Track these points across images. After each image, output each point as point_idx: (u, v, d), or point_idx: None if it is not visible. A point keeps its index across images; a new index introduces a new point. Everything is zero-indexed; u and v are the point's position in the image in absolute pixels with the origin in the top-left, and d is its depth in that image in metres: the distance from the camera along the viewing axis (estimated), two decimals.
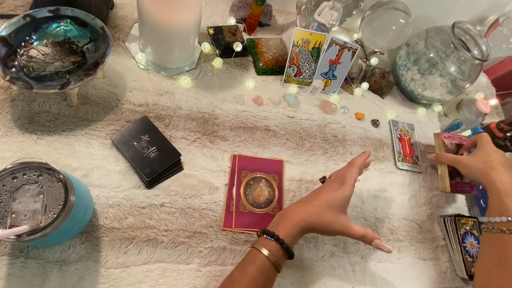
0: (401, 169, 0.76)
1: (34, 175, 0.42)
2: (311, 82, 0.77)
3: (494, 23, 0.87)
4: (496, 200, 0.55)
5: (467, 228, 0.70)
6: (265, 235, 0.48)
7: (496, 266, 0.51)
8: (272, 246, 0.47)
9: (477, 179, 0.62)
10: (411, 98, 0.90)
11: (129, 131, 0.58)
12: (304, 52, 0.75)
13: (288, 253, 0.48)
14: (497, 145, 0.83)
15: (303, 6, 0.77)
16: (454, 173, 0.75)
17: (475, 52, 0.79)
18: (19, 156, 0.52)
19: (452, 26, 0.76)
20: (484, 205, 0.76)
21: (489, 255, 0.53)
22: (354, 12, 0.78)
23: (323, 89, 0.80)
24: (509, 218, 0.52)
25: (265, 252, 0.46)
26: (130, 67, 0.67)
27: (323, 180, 0.61)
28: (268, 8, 0.82)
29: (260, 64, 0.77)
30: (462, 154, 0.72)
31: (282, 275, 0.56)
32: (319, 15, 0.72)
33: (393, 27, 0.81)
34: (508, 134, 0.82)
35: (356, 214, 0.67)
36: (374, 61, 0.85)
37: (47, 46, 0.53)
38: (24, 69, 0.52)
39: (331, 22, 0.71)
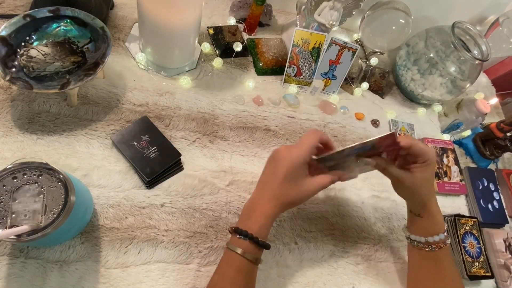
0: None
1: (34, 175, 0.42)
2: (311, 82, 0.77)
3: (494, 23, 0.87)
4: (431, 222, 0.55)
5: (467, 228, 0.70)
6: (237, 235, 0.46)
7: (435, 280, 0.55)
8: (246, 245, 0.45)
9: (413, 203, 0.56)
10: (411, 98, 0.90)
11: (129, 131, 0.58)
12: (304, 52, 0.75)
13: (264, 247, 0.47)
14: (497, 145, 0.84)
15: (303, 6, 0.77)
16: (440, 173, 0.76)
17: (475, 52, 0.80)
18: (19, 156, 0.52)
19: (452, 26, 0.76)
20: (484, 206, 0.77)
21: (425, 271, 0.56)
22: (354, 12, 0.78)
23: (323, 89, 0.80)
24: (445, 233, 0.54)
25: (239, 251, 0.45)
26: (130, 67, 0.67)
27: None
28: (268, 8, 0.82)
29: (260, 64, 0.77)
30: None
31: (282, 275, 0.56)
32: (319, 15, 0.72)
33: (393, 27, 0.81)
34: (508, 134, 0.82)
35: (356, 214, 0.67)
36: (374, 61, 0.85)
37: (47, 46, 0.53)
38: (24, 69, 0.52)
39: (331, 22, 0.71)
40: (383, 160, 0.52)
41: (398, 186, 0.56)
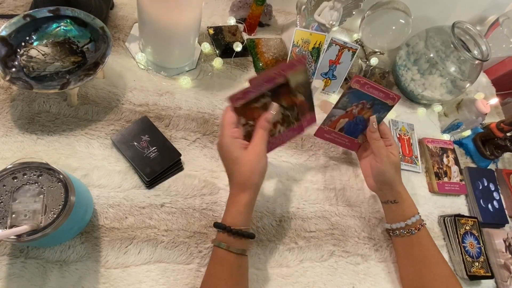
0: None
1: (34, 175, 0.42)
2: (311, 82, 0.77)
3: (494, 23, 0.87)
4: (406, 205, 0.60)
5: (467, 228, 0.70)
6: (217, 229, 0.48)
7: (419, 264, 0.58)
8: (223, 236, 0.47)
9: (385, 181, 0.61)
10: (411, 98, 0.90)
11: (129, 131, 0.58)
12: (304, 52, 0.75)
13: (243, 235, 0.47)
14: (497, 145, 0.84)
15: (303, 6, 0.77)
16: (440, 173, 0.76)
17: (475, 52, 0.80)
18: (19, 156, 0.52)
19: (452, 26, 0.76)
20: (484, 206, 0.77)
21: (412, 257, 0.60)
22: (354, 12, 0.78)
23: (323, 89, 0.80)
24: (419, 213, 0.60)
25: (222, 245, 0.46)
26: (130, 67, 0.67)
27: None
28: (268, 8, 0.82)
29: (260, 64, 0.77)
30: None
31: (282, 275, 0.56)
32: (319, 15, 0.72)
33: (393, 27, 0.81)
34: (508, 134, 0.82)
35: (356, 214, 0.67)
36: (374, 61, 0.85)
37: (47, 46, 0.53)
38: (24, 69, 0.52)
39: (331, 22, 0.71)
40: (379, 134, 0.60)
41: (381, 167, 0.60)
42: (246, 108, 0.49)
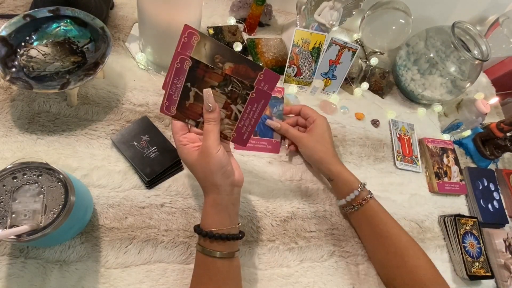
0: (400, 169, 0.76)
1: (34, 175, 0.42)
2: (311, 82, 0.77)
3: (494, 23, 0.87)
4: (341, 182, 0.61)
5: (467, 228, 0.70)
6: (197, 234, 0.47)
7: (373, 239, 0.60)
8: (201, 239, 0.47)
9: (314, 162, 0.65)
10: (411, 98, 0.90)
11: (129, 131, 0.58)
12: (304, 52, 0.75)
13: (214, 237, 0.45)
14: (497, 145, 0.84)
15: (303, 6, 0.77)
16: (440, 173, 0.76)
17: (475, 52, 0.80)
18: (19, 156, 0.52)
19: (452, 26, 0.76)
20: (484, 206, 0.77)
21: (365, 232, 0.62)
22: (354, 12, 0.78)
23: (323, 89, 0.80)
24: (359, 189, 0.59)
25: (198, 248, 0.47)
26: (130, 67, 0.67)
27: None
28: (268, 8, 0.82)
29: (260, 64, 0.77)
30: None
31: (282, 276, 0.56)
32: (319, 15, 0.72)
33: (393, 27, 0.81)
34: (508, 134, 0.82)
35: None
36: (374, 61, 0.85)
37: (47, 46, 0.53)
38: (24, 69, 0.52)
39: (331, 22, 0.71)
40: (286, 124, 0.65)
41: (303, 151, 0.64)
42: (184, 109, 0.46)
